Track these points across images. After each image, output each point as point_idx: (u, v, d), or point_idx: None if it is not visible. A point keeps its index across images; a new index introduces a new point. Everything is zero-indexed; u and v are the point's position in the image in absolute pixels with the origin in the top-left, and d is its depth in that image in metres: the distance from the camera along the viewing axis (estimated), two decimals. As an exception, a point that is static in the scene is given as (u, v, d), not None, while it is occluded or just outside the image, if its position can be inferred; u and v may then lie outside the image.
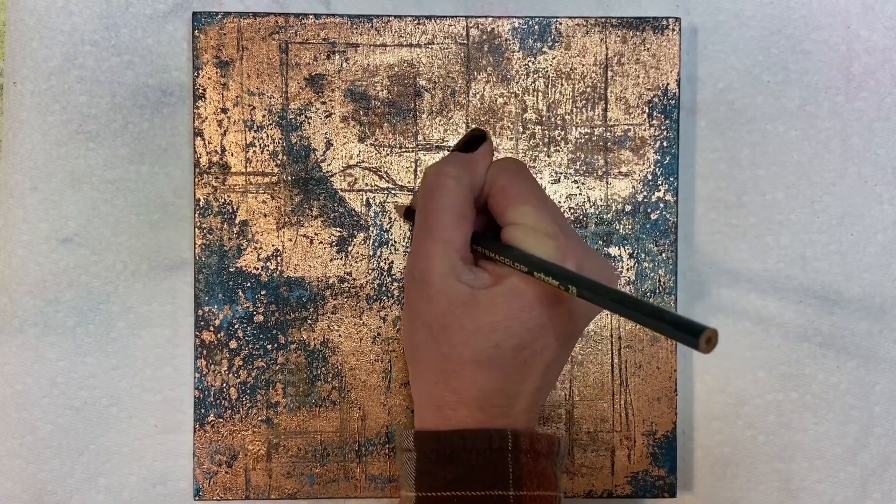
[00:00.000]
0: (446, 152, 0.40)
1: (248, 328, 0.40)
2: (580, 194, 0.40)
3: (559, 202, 0.40)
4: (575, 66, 0.40)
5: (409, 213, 0.39)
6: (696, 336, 0.26)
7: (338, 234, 0.40)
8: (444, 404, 0.32)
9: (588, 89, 0.40)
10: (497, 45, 0.40)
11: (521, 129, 0.40)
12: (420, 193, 0.34)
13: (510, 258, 0.32)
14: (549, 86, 0.40)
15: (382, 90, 0.40)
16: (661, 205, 0.40)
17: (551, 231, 0.32)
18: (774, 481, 0.42)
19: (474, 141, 0.35)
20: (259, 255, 0.40)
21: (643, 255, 0.40)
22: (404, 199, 0.40)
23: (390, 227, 0.40)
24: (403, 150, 0.40)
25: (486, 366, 0.31)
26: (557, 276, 0.30)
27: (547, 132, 0.40)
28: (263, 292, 0.40)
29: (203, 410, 0.40)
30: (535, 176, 0.40)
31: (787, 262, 0.42)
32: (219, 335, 0.40)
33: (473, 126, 0.40)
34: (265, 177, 0.40)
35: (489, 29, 0.40)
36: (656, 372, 0.40)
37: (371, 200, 0.40)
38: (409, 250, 0.40)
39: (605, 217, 0.40)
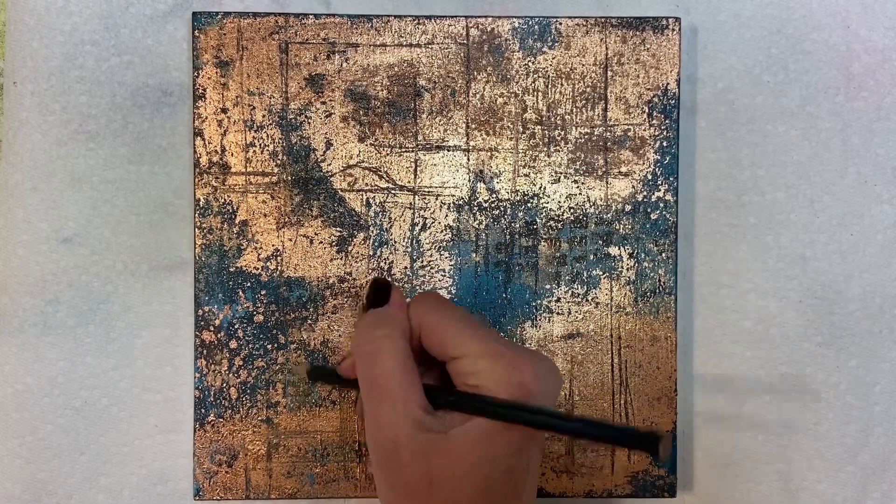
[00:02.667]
0: (446, 152, 0.40)
1: (249, 328, 0.40)
2: (580, 194, 0.40)
3: (559, 202, 0.40)
4: (575, 66, 0.40)
5: (314, 374, 0.38)
6: (654, 445, 0.28)
7: (338, 234, 0.40)
8: None
9: (588, 89, 0.40)
10: (497, 45, 0.40)
11: (521, 129, 0.40)
12: (358, 365, 0.33)
13: (474, 410, 0.31)
14: (549, 86, 0.40)
15: (382, 90, 0.40)
16: (661, 205, 0.40)
17: (496, 351, 0.31)
18: (774, 481, 0.42)
19: (381, 291, 0.35)
20: (259, 255, 0.40)
21: (643, 255, 0.40)
22: (296, 361, 0.40)
23: (390, 227, 0.40)
24: (403, 150, 0.40)
25: (485, 500, 0.30)
26: (524, 420, 0.30)
27: (547, 132, 0.40)
28: (263, 292, 0.40)
29: (203, 410, 0.40)
30: (534, 176, 0.40)
31: (787, 262, 0.42)
32: (219, 335, 0.40)
33: (372, 277, 0.40)
34: (265, 177, 0.40)
35: (489, 29, 0.40)
36: (656, 372, 0.40)
37: (371, 200, 0.40)
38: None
39: (605, 217, 0.40)
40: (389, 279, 0.36)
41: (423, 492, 0.30)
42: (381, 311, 0.34)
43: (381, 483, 0.32)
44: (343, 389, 0.40)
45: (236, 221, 0.40)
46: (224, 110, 0.40)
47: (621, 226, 0.40)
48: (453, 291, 0.40)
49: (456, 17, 0.40)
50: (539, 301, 0.40)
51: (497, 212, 0.40)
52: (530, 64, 0.40)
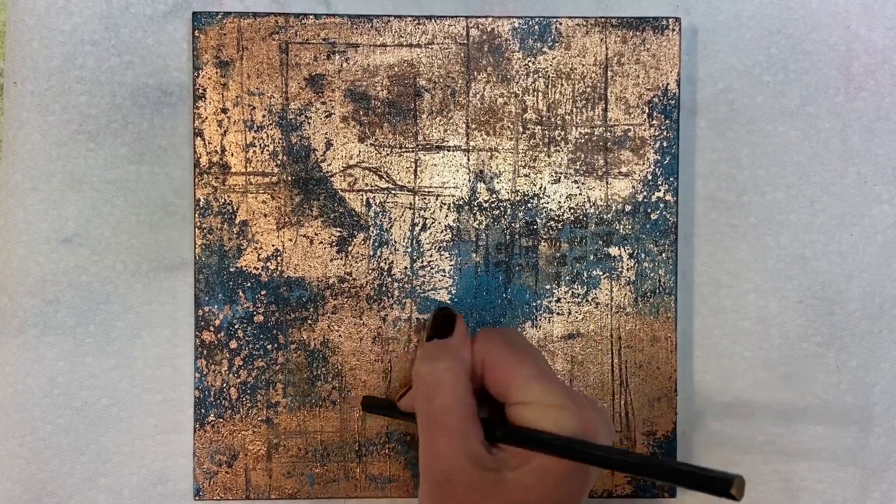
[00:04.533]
0: (446, 152, 0.40)
1: (249, 328, 0.40)
2: (580, 194, 0.40)
3: (559, 202, 0.40)
4: (575, 66, 0.40)
5: (369, 407, 0.38)
6: (727, 488, 0.25)
7: (338, 234, 0.40)
8: None
9: (588, 89, 0.40)
10: (497, 45, 0.40)
11: (521, 129, 0.40)
12: (418, 396, 0.33)
13: (531, 446, 0.30)
14: (549, 86, 0.40)
15: (382, 90, 0.40)
16: (661, 205, 0.40)
17: (562, 403, 0.31)
18: (774, 481, 0.42)
19: (445, 322, 0.34)
20: (259, 255, 0.40)
21: (643, 255, 0.40)
22: (352, 396, 0.40)
23: (390, 227, 0.40)
24: (403, 150, 0.40)
25: None
26: (583, 454, 0.29)
27: (547, 132, 0.40)
28: (263, 292, 0.40)
29: (203, 410, 0.40)
30: (534, 176, 0.40)
31: (787, 262, 0.42)
32: (219, 335, 0.40)
33: (438, 306, 0.39)
34: (265, 177, 0.40)
35: (489, 29, 0.40)
36: (656, 372, 0.40)
37: (371, 200, 0.40)
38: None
39: (605, 217, 0.40)
40: (454, 309, 0.35)
41: None
42: (444, 342, 0.34)
43: None
44: (397, 420, 0.39)
45: (236, 221, 0.40)
46: (224, 110, 0.40)
47: (621, 226, 0.40)
48: (453, 292, 0.40)
49: (456, 17, 0.40)
50: (539, 301, 0.40)
51: (497, 212, 0.40)
52: (530, 64, 0.40)
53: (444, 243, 0.40)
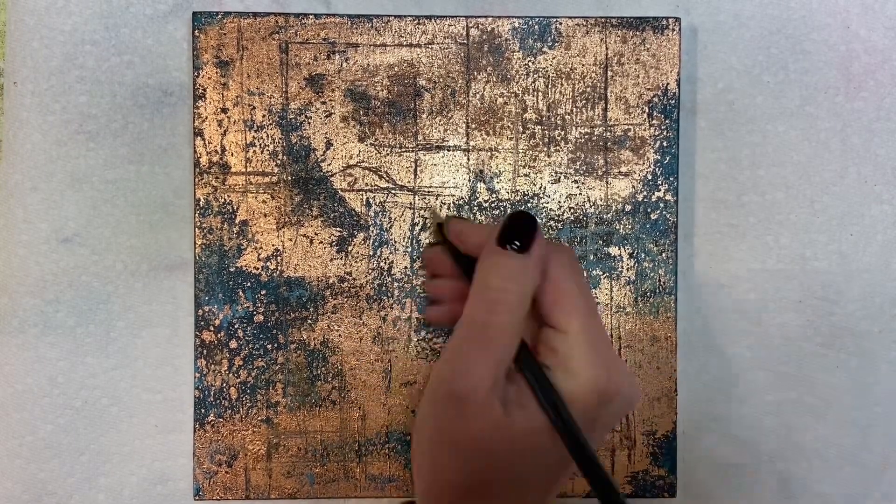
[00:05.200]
0: (446, 152, 0.40)
1: (248, 328, 0.40)
2: (580, 194, 0.40)
3: (559, 202, 0.40)
4: (575, 66, 0.40)
5: (439, 233, 0.37)
6: None
7: (338, 233, 0.40)
8: None
9: (588, 89, 0.40)
10: (497, 45, 0.40)
11: (521, 129, 0.40)
12: (477, 301, 0.31)
13: (543, 403, 0.30)
14: (549, 86, 0.40)
15: (382, 90, 0.40)
16: (661, 205, 0.40)
17: (600, 346, 0.30)
18: (774, 481, 0.42)
19: (524, 229, 0.32)
20: (259, 254, 0.40)
21: (643, 255, 0.40)
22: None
23: (390, 227, 0.40)
24: (403, 150, 0.40)
25: (513, 491, 0.30)
26: (570, 445, 0.29)
27: (547, 132, 0.40)
28: (263, 292, 0.40)
29: (203, 410, 0.40)
30: (534, 176, 0.40)
31: (787, 262, 0.42)
32: (219, 335, 0.40)
33: (519, 209, 0.38)
34: (265, 177, 0.40)
35: (489, 29, 0.40)
36: (656, 372, 0.40)
37: (371, 200, 0.40)
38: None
39: (605, 217, 0.40)
40: (536, 220, 0.32)
41: (469, 451, 0.29)
42: (523, 259, 0.31)
43: (431, 426, 0.30)
44: (449, 259, 0.37)
45: (236, 221, 0.40)
46: (224, 110, 0.40)
47: (621, 226, 0.40)
48: (453, 291, 0.40)
49: (456, 17, 0.40)
50: (539, 301, 0.40)
51: (497, 212, 0.40)
52: (530, 64, 0.40)
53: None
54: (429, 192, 0.40)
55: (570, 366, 0.30)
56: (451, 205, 0.40)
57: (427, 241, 0.40)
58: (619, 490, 0.29)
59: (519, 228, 0.32)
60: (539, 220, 0.39)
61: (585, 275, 0.40)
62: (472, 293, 0.31)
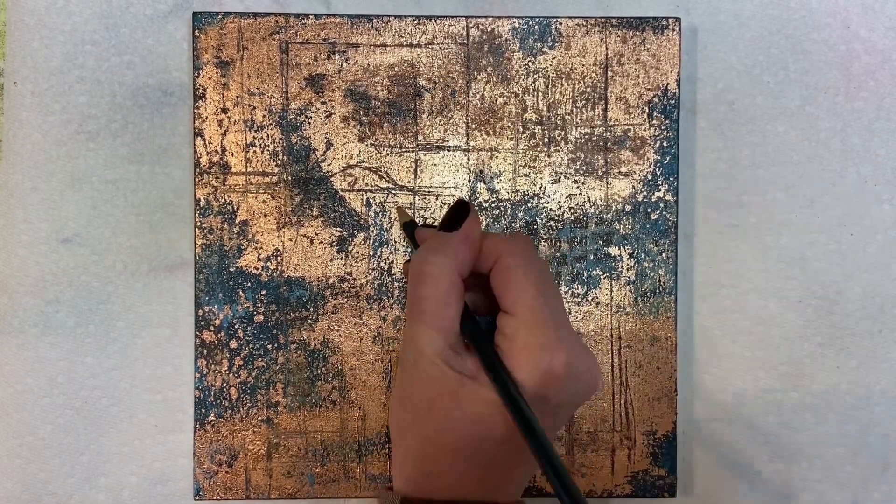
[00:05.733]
0: (446, 152, 0.40)
1: (249, 328, 0.40)
2: (580, 194, 0.40)
3: (559, 202, 0.40)
4: (575, 66, 0.40)
5: (406, 227, 0.38)
6: None
7: (338, 233, 0.40)
8: (421, 487, 0.32)
9: (588, 89, 0.40)
10: (497, 45, 0.40)
11: (521, 129, 0.40)
12: (409, 280, 0.34)
13: (487, 368, 0.31)
14: (549, 86, 0.40)
15: (382, 90, 0.40)
16: (661, 205, 0.40)
17: (543, 325, 0.31)
18: (774, 481, 0.42)
19: (459, 213, 0.34)
20: (259, 255, 0.40)
21: (643, 255, 0.40)
22: (403, 199, 0.40)
23: (390, 227, 0.40)
24: (403, 150, 0.40)
25: (468, 455, 0.31)
26: (516, 418, 0.29)
27: (547, 132, 0.40)
28: (263, 292, 0.40)
29: (203, 410, 0.40)
30: (534, 176, 0.40)
31: (787, 262, 0.42)
32: (219, 335, 0.40)
33: (457, 197, 0.40)
34: (265, 177, 0.40)
35: (489, 29, 0.40)
36: (656, 372, 0.40)
37: (371, 200, 0.40)
38: (408, 254, 0.40)
39: (605, 217, 0.40)
40: (471, 204, 0.35)
41: (422, 414, 0.31)
42: (446, 236, 0.33)
43: (396, 390, 0.33)
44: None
45: (236, 221, 0.40)
46: (224, 110, 0.40)
47: (621, 226, 0.40)
48: (453, 291, 0.40)
49: (456, 17, 0.40)
50: (539, 301, 0.40)
51: (497, 212, 0.40)
52: (530, 64, 0.40)
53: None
54: (429, 191, 0.40)
55: (515, 346, 0.31)
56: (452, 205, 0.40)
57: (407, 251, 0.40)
58: (566, 470, 0.29)
59: (454, 214, 0.34)
60: (475, 207, 0.40)
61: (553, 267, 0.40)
62: (409, 271, 0.34)
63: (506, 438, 0.30)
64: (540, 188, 0.40)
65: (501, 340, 0.32)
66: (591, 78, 0.40)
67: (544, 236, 0.40)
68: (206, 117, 0.40)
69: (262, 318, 0.40)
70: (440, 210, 0.40)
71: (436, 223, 0.39)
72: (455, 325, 0.32)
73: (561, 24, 0.40)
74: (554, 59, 0.40)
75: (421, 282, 0.32)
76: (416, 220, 0.40)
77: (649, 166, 0.40)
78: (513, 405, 0.30)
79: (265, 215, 0.40)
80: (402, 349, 0.33)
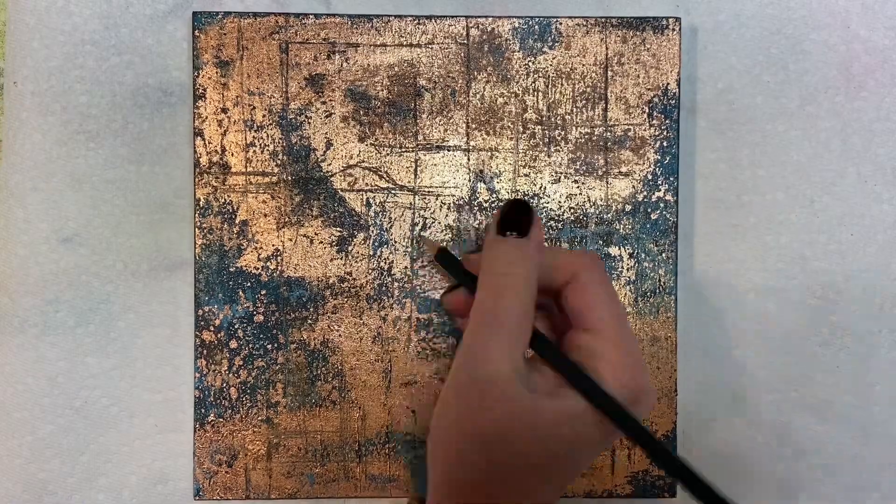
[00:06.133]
0: (446, 152, 0.40)
1: (249, 328, 0.40)
2: (580, 194, 0.40)
3: (559, 202, 0.40)
4: (575, 66, 0.40)
5: (442, 257, 0.36)
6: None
7: (338, 234, 0.40)
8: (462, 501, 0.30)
9: (588, 89, 0.40)
10: (497, 45, 0.40)
11: (521, 129, 0.40)
12: (485, 289, 0.31)
13: (575, 383, 0.30)
14: (549, 86, 0.40)
15: (382, 90, 0.40)
16: (661, 205, 0.40)
17: (629, 348, 0.30)
18: (774, 481, 0.42)
19: (520, 216, 0.33)
20: (259, 255, 0.40)
21: (643, 255, 0.40)
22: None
23: (390, 227, 0.40)
24: (403, 150, 0.40)
25: (533, 480, 0.30)
26: (622, 424, 0.29)
27: (547, 132, 0.40)
28: (263, 292, 0.40)
29: (203, 410, 0.40)
30: (534, 176, 0.40)
31: (787, 262, 0.42)
32: (219, 335, 0.40)
33: (514, 197, 0.39)
34: (265, 177, 0.40)
35: (489, 29, 0.40)
36: (656, 372, 0.40)
37: (371, 200, 0.40)
38: (443, 287, 0.40)
39: (605, 217, 0.40)
40: (533, 205, 0.34)
41: (493, 438, 0.29)
42: (522, 243, 0.32)
43: (454, 418, 0.30)
44: (451, 282, 0.38)
45: (236, 221, 0.40)
46: (224, 110, 0.40)
47: (621, 226, 0.40)
48: (453, 291, 0.40)
49: (456, 17, 0.40)
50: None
51: (552, 236, 0.40)
52: (530, 64, 0.40)
53: (445, 243, 0.40)
54: (429, 192, 0.40)
55: (601, 364, 0.30)
56: (452, 205, 0.40)
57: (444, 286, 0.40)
58: (677, 457, 0.29)
59: (515, 215, 0.33)
60: (536, 209, 0.40)
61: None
62: (480, 282, 0.32)
63: (576, 459, 0.30)
64: (540, 188, 0.40)
65: (578, 356, 0.31)
66: (591, 78, 0.40)
67: (544, 236, 0.40)
68: (206, 117, 0.40)
69: (261, 318, 0.40)
70: (440, 210, 0.40)
71: (439, 242, 0.39)
72: (528, 340, 0.31)
73: (561, 24, 0.40)
74: (554, 59, 0.40)
75: (504, 292, 0.31)
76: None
77: (649, 166, 0.40)
78: (611, 407, 0.29)
79: (265, 215, 0.40)
80: (468, 366, 0.30)
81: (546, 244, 0.33)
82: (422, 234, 0.39)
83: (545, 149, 0.40)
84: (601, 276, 0.33)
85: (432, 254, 0.38)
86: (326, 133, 0.40)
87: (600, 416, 0.30)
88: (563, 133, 0.40)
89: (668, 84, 0.40)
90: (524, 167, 0.40)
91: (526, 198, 0.40)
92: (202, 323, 0.40)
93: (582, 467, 0.31)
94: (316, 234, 0.40)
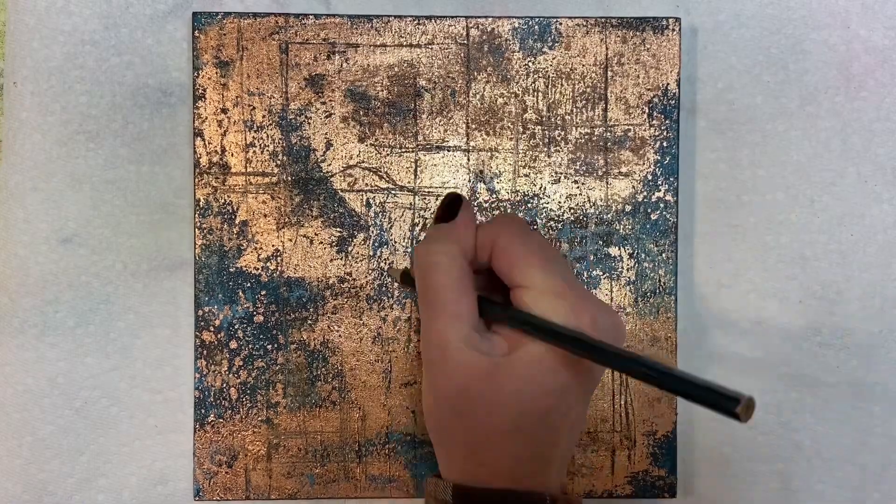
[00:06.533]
0: (446, 152, 0.40)
1: (248, 328, 0.40)
2: (580, 194, 0.40)
3: (559, 203, 0.40)
4: (575, 66, 0.40)
5: (405, 278, 0.38)
6: (733, 406, 0.24)
7: (338, 234, 0.40)
8: (477, 479, 0.31)
9: (588, 89, 0.40)
10: (497, 45, 0.40)
11: (521, 129, 0.40)
12: (416, 276, 0.33)
13: (524, 327, 0.31)
14: (549, 86, 0.40)
15: (382, 90, 0.40)
16: (661, 205, 0.40)
17: (560, 290, 0.31)
18: (774, 481, 0.42)
19: (452, 206, 0.35)
20: (259, 255, 0.40)
21: (643, 255, 0.40)
22: (397, 263, 0.40)
23: (390, 228, 0.40)
24: (403, 150, 0.40)
25: (515, 434, 0.30)
26: (576, 345, 0.29)
27: (547, 132, 0.40)
28: (263, 292, 0.40)
29: (203, 410, 0.40)
30: (534, 176, 0.40)
31: (787, 262, 0.42)
32: (219, 335, 0.40)
33: (447, 191, 0.40)
34: (265, 177, 0.40)
35: (489, 29, 0.40)
36: (656, 372, 0.40)
37: (371, 200, 0.40)
38: (413, 247, 0.40)
39: (605, 217, 0.40)
40: (463, 195, 0.35)
41: (460, 405, 0.31)
42: (444, 226, 0.34)
43: (427, 390, 0.33)
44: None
45: (236, 222, 0.40)
46: (224, 110, 0.40)
47: (621, 226, 0.40)
48: (453, 291, 0.40)
49: (456, 17, 0.40)
50: (539, 301, 0.40)
51: (497, 212, 0.40)
52: (530, 64, 0.40)
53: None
54: (429, 192, 0.40)
55: (545, 313, 0.31)
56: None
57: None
58: (688, 375, 0.27)
59: (447, 206, 0.35)
60: (471, 199, 0.40)
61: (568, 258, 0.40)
62: (415, 269, 0.34)
63: (547, 408, 0.30)
64: (540, 188, 0.40)
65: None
66: (591, 78, 0.40)
67: (544, 237, 0.40)
68: (206, 117, 0.40)
69: (261, 318, 0.40)
70: (396, 265, 0.40)
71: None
72: (474, 310, 0.32)
73: (561, 24, 0.40)
74: (554, 59, 0.40)
75: (431, 272, 0.32)
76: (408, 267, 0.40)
77: (649, 166, 0.40)
78: (568, 336, 0.29)
79: (265, 215, 0.40)
80: (425, 349, 0.32)
81: (480, 221, 0.34)
82: (389, 265, 0.40)
83: (545, 149, 0.40)
84: (518, 234, 0.33)
85: (398, 280, 0.39)
86: (326, 133, 0.40)
87: (561, 356, 0.30)
88: (563, 133, 0.40)
89: (668, 84, 0.40)
90: (524, 167, 0.40)
91: (530, 210, 0.40)
92: (202, 323, 0.40)
93: (571, 415, 0.31)
94: (316, 234, 0.40)
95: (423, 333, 0.33)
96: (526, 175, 0.40)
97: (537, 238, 0.34)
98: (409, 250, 0.40)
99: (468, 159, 0.40)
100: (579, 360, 0.31)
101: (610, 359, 0.28)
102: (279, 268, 0.40)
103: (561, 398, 0.31)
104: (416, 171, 0.40)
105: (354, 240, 0.40)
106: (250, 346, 0.40)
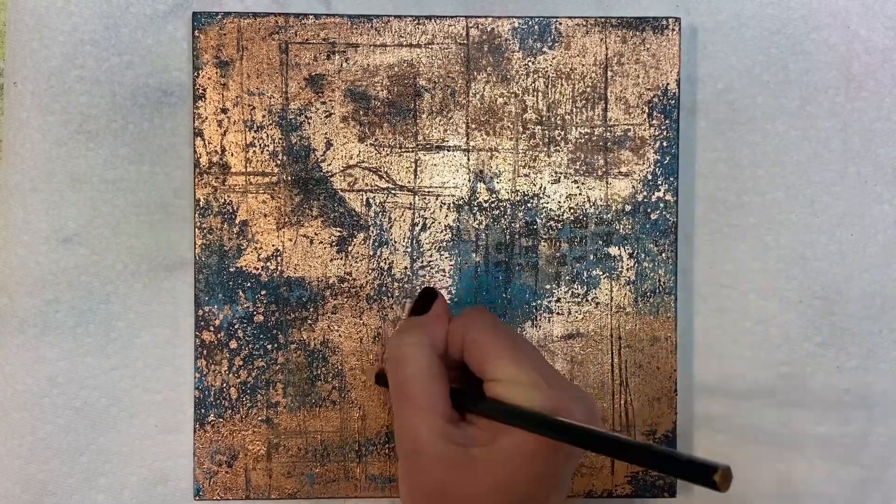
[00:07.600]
0: (446, 152, 0.40)
1: (248, 328, 0.40)
2: (580, 194, 0.40)
3: (559, 202, 0.40)
4: (575, 66, 0.40)
5: (379, 379, 0.38)
6: (709, 476, 0.24)
7: (338, 234, 0.40)
8: None
9: (588, 89, 0.40)
10: (497, 45, 0.40)
11: (521, 129, 0.40)
12: (388, 369, 0.33)
13: (501, 417, 0.31)
14: (549, 86, 0.40)
15: (382, 90, 0.40)
16: (661, 205, 0.40)
17: (533, 381, 0.31)
18: (774, 481, 0.42)
19: (426, 299, 0.35)
20: (259, 255, 0.40)
21: (643, 255, 0.40)
22: (369, 367, 0.40)
23: (390, 227, 0.40)
24: (403, 150, 0.40)
25: None
26: (556, 430, 0.29)
27: (547, 132, 0.40)
28: (263, 292, 0.40)
29: (203, 410, 0.40)
30: (534, 176, 0.40)
31: (787, 262, 0.42)
32: (219, 335, 0.40)
33: (424, 286, 0.40)
34: (265, 177, 0.40)
35: (489, 29, 0.40)
36: (656, 372, 0.40)
37: (371, 200, 0.40)
38: (411, 246, 0.40)
39: (605, 217, 0.40)
40: (437, 290, 0.37)
41: (437, 498, 0.30)
42: (415, 319, 0.35)
43: (403, 483, 0.32)
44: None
45: (236, 221, 0.40)
46: (224, 110, 0.40)
47: (621, 226, 0.40)
48: (453, 291, 0.40)
49: (456, 17, 0.40)
50: (539, 301, 0.40)
51: (497, 212, 0.40)
52: (530, 64, 0.40)
53: (444, 243, 0.40)
54: (429, 192, 0.40)
55: (519, 402, 0.31)
56: (452, 205, 0.40)
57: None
58: (664, 449, 0.27)
59: (421, 300, 0.36)
60: (444, 292, 0.40)
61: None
62: (386, 362, 0.34)
63: (526, 496, 0.30)
64: (540, 188, 0.40)
65: None
66: (590, 78, 0.40)
67: (544, 236, 0.40)
68: (206, 117, 0.40)
69: (261, 318, 0.40)
70: (440, 210, 0.40)
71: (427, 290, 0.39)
72: (447, 401, 0.32)
73: (561, 24, 0.40)
74: (554, 59, 0.40)
75: (401, 365, 0.32)
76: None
77: (649, 166, 0.40)
78: (546, 421, 0.29)
79: (265, 215, 0.40)
80: (398, 442, 0.32)
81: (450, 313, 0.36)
82: (365, 368, 0.40)
83: (545, 149, 0.40)
84: (486, 327, 0.33)
85: (373, 380, 0.40)
86: (326, 133, 0.40)
87: (541, 442, 0.30)
88: (562, 133, 0.40)
89: (667, 84, 0.40)
90: (524, 167, 0.40)
91: (530, 210, 0.40)
92: (202, 323, 0.40)
93: (552, 499, 0.31)
94: (316, 234, 0.40)
95: (395, 426, 0.33)
96: (526, 175, 0.40)
97: (505, 329, 0.34)
98: (408, 250, 0.40)
99: (468, 159, 0.40)
100: (559, 445, 0.30)
101: (591, 441, 0.28)
102: (279, 267, 0.40)
103: (540, 484, 0.30)
104: (416, 170, 0.40)
105: (354, 239, 0.40)
106: (250, 345, 0.40)
